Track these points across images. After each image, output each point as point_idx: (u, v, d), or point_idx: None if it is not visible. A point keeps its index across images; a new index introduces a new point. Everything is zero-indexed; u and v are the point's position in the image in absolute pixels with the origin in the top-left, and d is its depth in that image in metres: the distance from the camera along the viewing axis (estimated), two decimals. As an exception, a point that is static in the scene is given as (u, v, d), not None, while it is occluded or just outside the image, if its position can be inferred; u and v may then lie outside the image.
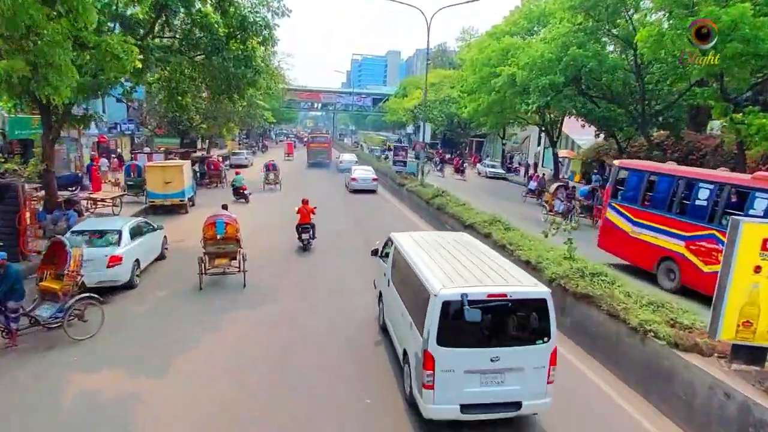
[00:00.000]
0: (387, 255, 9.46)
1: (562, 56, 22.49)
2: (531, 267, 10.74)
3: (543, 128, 37.18)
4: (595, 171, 33.28)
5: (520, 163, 49.68)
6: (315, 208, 15.78)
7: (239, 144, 57.75)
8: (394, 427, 6.61)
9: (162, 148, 29.31)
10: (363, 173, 28.26)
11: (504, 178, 41.86)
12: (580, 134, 43.63)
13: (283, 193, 26.29)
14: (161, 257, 13.77)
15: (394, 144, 37.44)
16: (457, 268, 7.06)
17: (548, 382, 6.36)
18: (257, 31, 14.51)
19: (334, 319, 10.21)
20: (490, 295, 6.20)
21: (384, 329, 9.27)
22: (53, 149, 15.64)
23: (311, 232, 15.50)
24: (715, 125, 31.67)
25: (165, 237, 14.20)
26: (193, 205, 22.80)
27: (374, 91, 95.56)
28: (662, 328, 7.12)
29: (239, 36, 14.77)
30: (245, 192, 23.68)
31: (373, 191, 27.40)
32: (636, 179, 13.87)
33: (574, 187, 22.89)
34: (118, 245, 11.25)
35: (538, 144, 52.68)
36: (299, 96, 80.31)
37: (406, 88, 67.94)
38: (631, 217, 13.64)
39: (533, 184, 28.05)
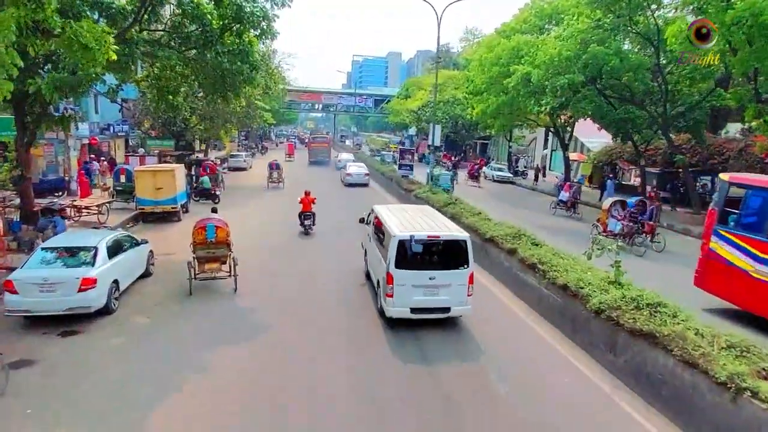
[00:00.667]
0: (369, 222, 12.87)
1: (581, 54, 21.03)
2: (570, 293, 9.26)
3: (553, 130, 35.74)
4: (610, 175, 31.83)
5: (526, 166, 48.25)
6: (315, 198, 17.84)
7: (238, 146, 56.21)
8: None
9: (156, 151, 27.78)
10: (357, 169, 32.51)
11: (511, 182, 40.32)
12: (589, 137, 42.19)
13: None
14: (146, 274, 12.28)
15: (400, 147, 35.77)
16: (412, 222, 10.46)
17: (468, 295, 9.59)
18: (255, 23, 13.03)
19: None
20: (429, 236, 9.70)
21: (367, 275, 12.64)
22: (29, 153, 14.17)
23: (312, 220, 17.72)
24: (733, 128, 30.31)
25: (151, 251, 12.71)
26: (186, 212, 21.30)
27: (376, 92, 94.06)
28: (762, 385, 5.63)
29: (235, 28, 13.28)
30: (216, 192, 24.04)
31: (365, 185, 30.91)
32: (761, 200, 10.45)
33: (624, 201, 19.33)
34: (93, 265, 9.75)
35: (545, 146, 51.30)
36: (300, 97, 78.84)
37: (409, 88, 66.48)
38: (756, 251, 10.12)
39: (564, 195, 24.50)
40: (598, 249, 8.89)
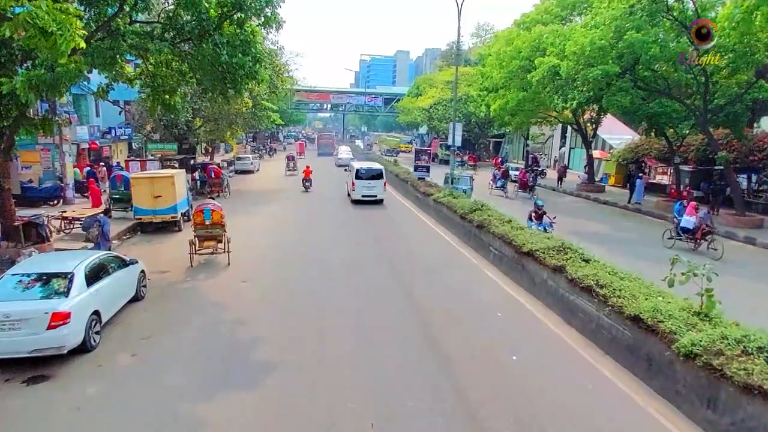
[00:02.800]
0: (349, 169, 26.71)
1: (616, 43, 19.17)
2: (643, 327, 7.52)
3: (575, 127, 33.82)
4: (640, 174, 29.79)
5: (547, 166, 46.31)
6: (312, 171, 30.05)
7: (245, 147, 54.72)
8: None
9: (157, 155, 26.32)
10: (344, 155, 47.87)
11: (530, 183, 38.40)
12: (611, 133, 40.23)
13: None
14: (136, 298, 10.73)
15: (415, 147, 33.80)
16: (362, 164, 25.83)
17: (383, 191, 24.58)
18: (257, 10, 11.41)
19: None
20: (367, 168, 25.03)
21: (347, 196, 25.50)
22: (7, 161, 12.67)
23: (310, 182, 29.34)
24: (765, 123, 28.22)
25: (143, 272, 11.16)
26: (188, 220, 19.78)
27: (386, 91, 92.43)
28: None
29: (235, 16, 11.67)
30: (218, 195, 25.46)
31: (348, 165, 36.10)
32: None
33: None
34: (66, 295, 8.18)
35: (562, 144, 49.29)
36: (308, 97, 77.41)
37: (420, 86, 64.63)
38: None
39: (692, 220, 15.88)
40: (684, 273, 7.12)
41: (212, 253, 14.01)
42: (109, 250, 12.56)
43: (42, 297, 8.08)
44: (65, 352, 7.93)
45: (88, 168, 26.81)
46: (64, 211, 16.00)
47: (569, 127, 44.58)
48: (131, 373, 7.93)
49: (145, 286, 11.21)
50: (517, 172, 39.29)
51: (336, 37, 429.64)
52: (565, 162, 44.33)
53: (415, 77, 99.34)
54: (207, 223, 13.78)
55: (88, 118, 31.16)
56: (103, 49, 11.11)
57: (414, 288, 12.29)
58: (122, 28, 11.40)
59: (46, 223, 14.26)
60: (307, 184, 28.69)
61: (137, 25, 12.73)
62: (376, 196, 24.38)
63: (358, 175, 24.00)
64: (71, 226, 16.25)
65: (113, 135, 32.61)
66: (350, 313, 10.54)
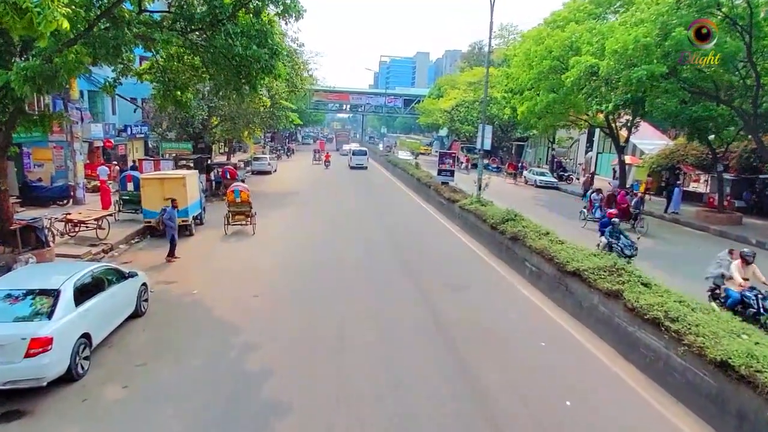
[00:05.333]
0: (349, 154, 49.24)
1: (662, 41, 17.66)
2: (737, 378, 6.14)
3: (607, 131, 32.13)
4: (678, 183, 27.96)
5: (573, 171, 44.51)
6: (330, 155, 47.98)
7: (263, 147, 53.87)
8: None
9: (172, 154, 25.44)
10: (346, 147, 61.20)
11: (555, 188, 36.75)
12: (642, 138, 38.34)
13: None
14: (136, 314, 9.67)
15: (439, 150, 32.31)
16: (358, 147, 53.22)
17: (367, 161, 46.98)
18: (275, -3, 10.29)
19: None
20: (354, 149, 50.57)
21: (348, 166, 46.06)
22: (4, 159, 11.72)
23: (330, 163, 45.62)
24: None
25: (144, 285, 10.09)
26: (201, 223, 18.85)
27: (406, 92, 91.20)
28: None
29: (251, 4, 10.56)
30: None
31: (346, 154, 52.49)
32: None
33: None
34: (49, 317, 7.11)
35: (588, 149, 47.43)
36: (326, 97, 76.50)
37: (442, 87, 63.24)
38: None
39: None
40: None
41: (242, 224, 17.66)
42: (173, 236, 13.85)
43: (20, 319, 7.01)
44: (45, 384, 6.85)
45: (103, 167, 26.13)
46: (69, 213, 15.08)
47: (596, 131, 42.96)
48: (119, 411, 6.78)
49: (146, 300, 10.14)
50: (544, 177, 37.79)
51: (355, 38, 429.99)
52: (592, 168, 42.56)
53: (436, 79, 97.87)
54: (237, 200, 17.42)
55: (104, 115, 30.54)
56: (106, 38, 10.10)
57: (440, 306, 11.03)
58: (128, 16, 10.36)
59: (47, 226, 13.32)
60: (327, 164, 45.83)
61: (146, 14, 11.73)
62: (363, 164, 46.39)
63: (353, 153, 47.36)
64: (77, 229, 15.30)
65: (129, 133, 31.94)
66: (371, 337, 9.31)
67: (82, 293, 7.88)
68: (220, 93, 14.82)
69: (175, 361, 8.17)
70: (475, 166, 41.85)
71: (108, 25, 10.32)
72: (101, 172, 25.30)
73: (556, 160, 45.37)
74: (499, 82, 50.04)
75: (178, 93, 13.74)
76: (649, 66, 17.39)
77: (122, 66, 12.83)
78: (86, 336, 7.64)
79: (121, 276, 9.34)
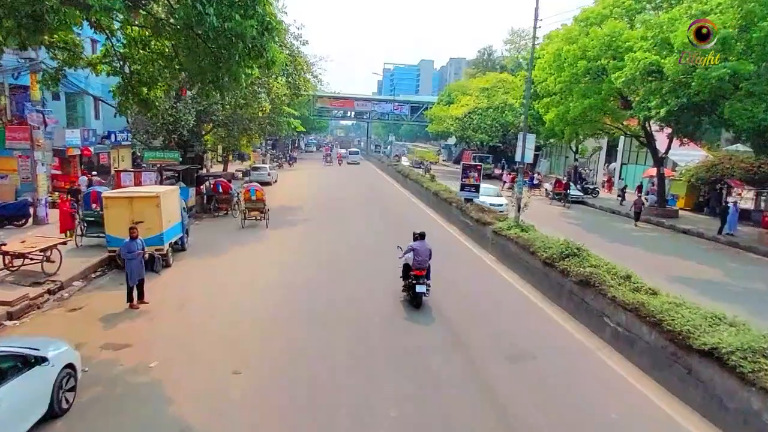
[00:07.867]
0: (346, 155, 70.35)
1: (744, 33, 14.44)
2: None
3: (643, 140, 28.89)
4: (735, 201, 24.26)
5: (594, 183, 41.17)
6: (341, 154, 69.49)
7: (264, 156, 50.48)
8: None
9: (157, 165, 22.20)
10: (344, 151, 73.87)
11: (582, 202, 33.26)
12: (675, 149, 35.04)
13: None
14: (53, 414, 6.37)
15: (463, 162, 28.53)
16: (352, 150, 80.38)
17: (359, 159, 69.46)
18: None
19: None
20: (350, 150, 78.03)
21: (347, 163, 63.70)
22: None
23: (341, 162, 64.10)
24: None
25: (69, 367, 6.76)
26: (183, 250, 15.57)
27: (413, 99, 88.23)
28: None
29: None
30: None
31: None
32: None
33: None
34: None
35: (609, 159, 44.16)
36: (330, 103, 73.52)
37: (452, 94, 60.14)
38: None
39: None
40: None
41: (256, 220, 20.03)
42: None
43: None
44: None
45: (84, 177, 22.90)
46: (4, 244, 11.76)
47: (621, 140, 39.71)
48: None
49: (72, 389, 6.83)
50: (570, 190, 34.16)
51: (358, 45, 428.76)
52: (613, 176, 39.23)
53: (440, 86, 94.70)
54: (252, 198, 19.87)
55: (85, 120, 27.42)
56: (21, 2, 6.89)
57: (501, 390, 7.69)
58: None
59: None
60: (340, 161, 61.96)
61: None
62: (357, 161, 65.25)
63: (349, 153, 69.13)
64: (21, 262, 12.02)
65: (113, 140, 28.79)
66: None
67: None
68: (194, 90, 11.56)
69: None
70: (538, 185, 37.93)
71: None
72: (82, 183, 22.23)
73: (578, 171, 42.10)
74: (515, 88, 47.02)
75: (144, 90, 10.55)
76: (732, 63, 14.11)
77: (67, 52, 9.69)
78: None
79: (26, 363, 6.05)
